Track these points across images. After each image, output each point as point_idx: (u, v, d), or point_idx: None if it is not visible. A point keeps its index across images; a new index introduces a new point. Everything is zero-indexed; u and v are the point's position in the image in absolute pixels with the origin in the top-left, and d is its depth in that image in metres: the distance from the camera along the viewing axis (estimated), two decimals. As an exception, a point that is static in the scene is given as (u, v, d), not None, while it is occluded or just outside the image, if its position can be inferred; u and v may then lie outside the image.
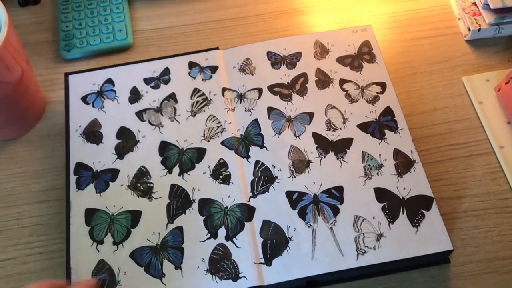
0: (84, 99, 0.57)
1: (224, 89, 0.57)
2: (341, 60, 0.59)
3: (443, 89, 0.61)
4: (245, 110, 0.56)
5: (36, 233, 0.52)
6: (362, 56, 0.59)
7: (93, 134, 0.55)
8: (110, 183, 0.52)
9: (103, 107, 0.57)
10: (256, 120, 0.55)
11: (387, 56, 0.62)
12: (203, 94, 0.57)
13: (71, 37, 0.63)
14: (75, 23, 0.64)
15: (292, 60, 0.59)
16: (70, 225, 0.50)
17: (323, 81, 0.57)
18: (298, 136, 0.54)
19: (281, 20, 0.67)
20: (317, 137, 0.54)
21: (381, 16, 0.66)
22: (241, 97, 0.57)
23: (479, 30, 0.62)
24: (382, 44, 0.63)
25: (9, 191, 0.55)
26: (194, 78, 0.58)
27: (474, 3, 0.64)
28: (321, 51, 0.60)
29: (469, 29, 0.63)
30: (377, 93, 0.56)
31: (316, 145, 0.53)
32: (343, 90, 0.57)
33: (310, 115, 0.55)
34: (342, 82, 0.57)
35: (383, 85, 0.57)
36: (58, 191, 0.55)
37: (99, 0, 0.65)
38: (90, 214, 0.51)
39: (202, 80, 0.58)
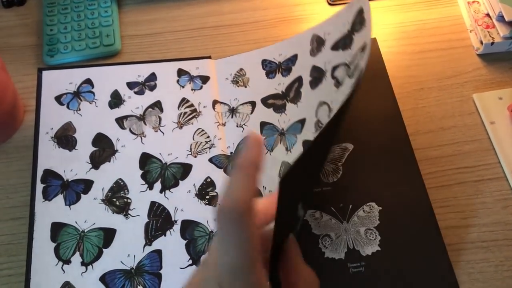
0: (58, 99, 0.53)
1: (215, 102, 0.53)
2: (336, 45, 0.52)
3: (452, 107, 0.56)
4: (237, 126, 0.52)
5: (7, 253, 0.48)
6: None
7: (66, 138, 0.51)
8: (82, 195, 0.48)
9: (79, 109, 0.53)
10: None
11: (392, 69, 0.58)
12: (192, 105, 0.53)
13: (55, 42, 0.59)
14: (61, 26, 0.60)
15: (288, 65, 0.55)
16: (33, 239, 0.46)
17: (317, 78, 0.52)
18: (290, 150, 0.50)
19: (281, 27, 0.63)
20: (306, 145, 0.50)
21: (387, 26, 0.62)
22: (233, 111, 0.53)
23: (492, 43, 0.58)
24: (387, 56, 0.59)
25: (-19, 206, 0.51)
26: (183, 87, 0.54)
27: (488, 15, 0.59)
28: (318, 45, 0.54)
29: (481, 42, 0.59)
30: None
31: None
32: (333, 78, 0.51)
33: (302, 122, 0.51)
34: (334, 69, 0.51)
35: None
36: (31, 184, 0.50)
37: (87, 3, 0.61)
38: (57, 229, 0.46)
39: (192, 90, 0.54)
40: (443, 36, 0.61)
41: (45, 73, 0.54)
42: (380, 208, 0.48)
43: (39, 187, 0.48)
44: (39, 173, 0.49)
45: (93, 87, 0.54)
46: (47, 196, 0.48)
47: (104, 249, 0.46)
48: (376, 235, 0.46)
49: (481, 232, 0.49)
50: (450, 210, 0.50)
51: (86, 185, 0.48)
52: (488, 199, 0.51)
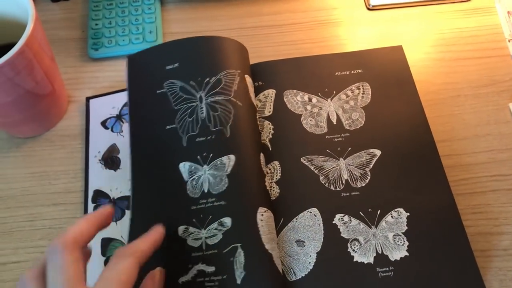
0: (103, 123, 0.55)
1: None
2: None
3: (487, 115, 0.56)
4: None
5: (48, 237, 0.50)
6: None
7: (111, 159, 0.53)
8: (126, 211, 0.50)
9: (122, 131, 0.55)
10: None
11: (429, 76, 0.59)
12: None
13: (100, 36, 0.61)
14: (105, 21, 0.62)
15: None
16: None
17: None
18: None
19: (318, 30, 0.64)
20: None
21: (424, 33, 0.63)
22: None
23: (530, 54, 0.58)
24: (424, 62, 0.60)
25: (24, 191, 0.53)
26: None
27: (527, 25, 0.60)
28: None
29: (519, 52, 0.59)
30: None
31: None
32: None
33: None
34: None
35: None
36: (74, 195, 0.52)
37: (131, -1, 0.63)
38: (106, 244, 0.48)
39: None
40: (481, 44, 0.62)
41: (92, 101, 0.57)
42: (408, 214, 0.48)
43: (90, 206, 0.51)
44: (90, 194, 0.51)
45: None
46: None
47: None
48: (404, 241, 0.47)
49: (513, 240, 0.49)
50: (482, 216, 0.50)
51: (129, 201, 0.50)
52: (522, 208, 0.51)
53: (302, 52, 0.60)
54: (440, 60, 0.61)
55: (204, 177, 0.46)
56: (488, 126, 0.56)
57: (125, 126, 0.55)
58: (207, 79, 0.50)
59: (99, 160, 0.53)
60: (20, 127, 0.54)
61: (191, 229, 0.44)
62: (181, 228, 0.45)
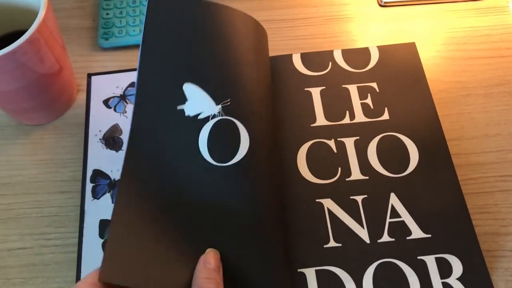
0: (106, 102, 0.55)
1: None
2: None
3: (498, 115, 0.56)
4: None
5: (54, 224, 0.50)
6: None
7: (113, 140, 0.53)
8: None
9: (125, 112, 0.54)
10: None
11: (440, 74, 0.58)
12: None
13: (110, 25, 0.61)
14: (116, 11, 0.62)
15: None
16: (83, 236, 0.47)
17: None
18: None
19: (330, 25, 0.63)
20: None
21: (436, 30, 0.62)
22: None
23: (543, 54, 0.57)
24: (435, 60, 0.59)
25: (31, 178, 0.53)
26: None
27: (540, 25, 0.59)
28: None
29: (532, 53, 0.58)
30: None
31: None
32: None
33: None
34: None
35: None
36: (81, 183, 0.52)
37: (143, -11, 0.63)
38: (104, 226, 0.48)
39: None
40: (493, 44, 0.61)
41: (94, 78, 0.56)
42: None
43: (89, 186, 0.50)
44: (89, 173, 0.51)
45: None
46: (96, 195, 0.50)
47: None
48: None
49: (521, 241, 0.49)
50: (490, 216, 0.50)
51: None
52: (530, 209, 0.50)
53: (313, 47, 0.60)
54: (451, 58, 0.60)
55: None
56: (498, 126, 0.55)
57: (129, 107, 0.54)
58: None
59: (100, 139, 0.53)
60: (29, 115, 0.54)
61: None
62: None
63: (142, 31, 0.48)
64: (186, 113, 0.46)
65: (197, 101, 0.46)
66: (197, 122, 0.46)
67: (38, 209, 0.51)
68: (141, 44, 0.47)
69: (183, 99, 0.46)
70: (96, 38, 0.61)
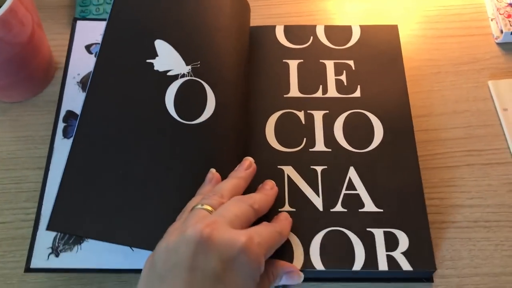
0: (88, 48, 0.56)
1: None
2: None
3: (467, 92, 0.58)
4: None
5: (33, 199, 0.51)
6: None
7: None
8: None
9: None
10: None
11: (412, 52, 0.60)
12: None
13: (88, 3, 0.61)
14: (93, -11, 0.62)
15: None
16: (49, 171, 0.49)
17: None
18: None
19: (307, 3, 0.64)
20: None
21: (410, 10, 0.63)
22: None
23: (512, 33, 0.59)
24: (409, 39, 0.61)
25: (10, 154, 0.54)
26: None
27: (511, 4, 0.60)
28: None
29: (501, 31, 0.60)
30: None
31: None
32: None
33: None
34: None
35: None
36: (53, 121, 0.53)
37: (120, -33, 0.63)
38: None
39: None
40: (464, 23, 0.62)
41: (79, 23, 0.57)
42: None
43: (61, 125, 0.52)
44: (62, 113, 0.52)
45: None
46: (67, 134, 0.51)
47: None
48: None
49: (484, 212, 0.51)
50: (456, 189, 0.52)
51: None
52: (495, 182, 0.52)
53: (288, 26, 0.61)
54: (423, 36, 0.61)
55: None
56: (467, 102, 0.57)
57: None
58: None
59: (77, 82, 0.54)
60: (7, 92, 0.55)
61: None
62: None
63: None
64: (155, 67, 0.48)
65: (168, 58, 0.49)
66: (165, 78, 0.48)
67: (17, 184, 0.52)
68: None
69: (154, 54, 0.48)
70: (73, 16, 0.62)
